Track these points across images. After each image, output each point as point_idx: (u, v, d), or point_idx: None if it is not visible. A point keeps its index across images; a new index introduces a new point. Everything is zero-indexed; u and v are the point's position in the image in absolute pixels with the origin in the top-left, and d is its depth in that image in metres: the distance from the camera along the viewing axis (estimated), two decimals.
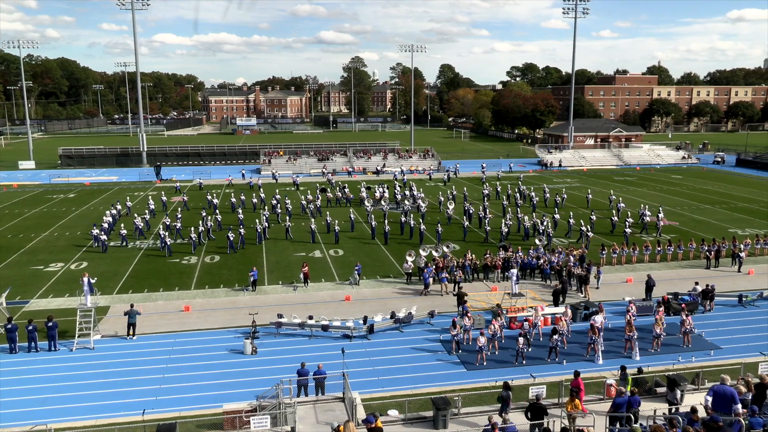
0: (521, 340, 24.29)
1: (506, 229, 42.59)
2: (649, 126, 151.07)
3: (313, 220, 47.34)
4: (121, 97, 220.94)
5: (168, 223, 44.04)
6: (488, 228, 44.11)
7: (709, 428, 12.98)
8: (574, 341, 25.88)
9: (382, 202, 52.33)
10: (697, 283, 30.82)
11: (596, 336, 24.37)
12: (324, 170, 78.67)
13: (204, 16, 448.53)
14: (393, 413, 19.22)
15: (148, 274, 35.84)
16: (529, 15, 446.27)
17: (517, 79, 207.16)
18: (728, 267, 36.58)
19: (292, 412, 17.45)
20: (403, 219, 46.02)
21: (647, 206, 49.09)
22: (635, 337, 24.81)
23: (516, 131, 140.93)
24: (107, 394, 21.80)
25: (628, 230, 42.23)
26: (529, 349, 25.10)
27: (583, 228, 42.26)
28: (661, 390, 19.83)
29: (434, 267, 33.36)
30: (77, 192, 66.21)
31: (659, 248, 38.50)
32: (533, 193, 56.21)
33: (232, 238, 40.67)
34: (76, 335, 25.88)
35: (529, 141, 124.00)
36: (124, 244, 42.23)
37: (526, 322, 25.79)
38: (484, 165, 76.86)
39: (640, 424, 16.11)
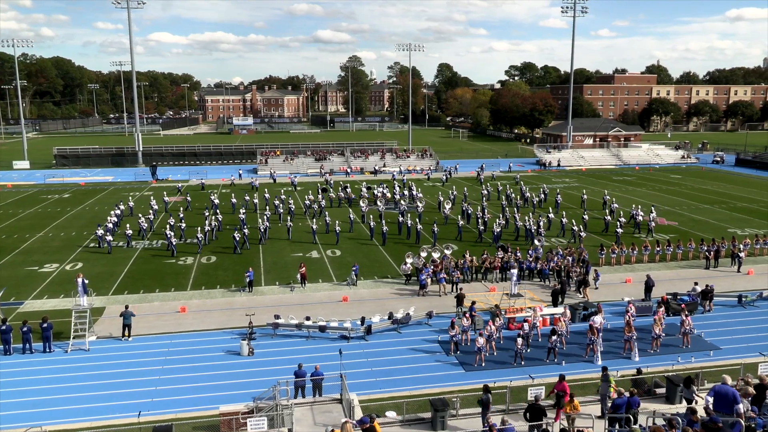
0: (520, 340, 24.16)
1: (498, 229, 42.57)
2: (648, 125, 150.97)
3: (315, 220, 47.30)
4: (116, 96, 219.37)
5: (172, 224, 43.87)
6: (481, 228, 44.14)
7: (709, 429, 12.84)
8: (573, 342, 25.77)
9: (378, 203, 52.22)
10: (696, 284, 30.71)
11: (595, 336, 24.26)
12: (321, 169, 78.52)
13: (200, 15, 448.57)
14: (391, 414, 19.09)
15: (144, 275, 35.62)
16: (527, 14, 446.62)
17: (516, 78, 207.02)
18: (728, 267, 36.49)
19: (289, 414, 17.34)
20: (400, 219, 45.92)
21: (639, 206, 48.93)
22: (634, 337, 24.69)
23: (514, 131, 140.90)
24: (103, 395, 21.62)
25: (619, 230, 42.16)
26: (528, 350, 24.97)
27: (575, 228, 42.33)
28: (661, 391, 19.71)
29: (432, 269, 33.16)
30: (72, 192, 65.91)
31: (658, 248, 38.40)
32: (528, 194, 56.22)
33: (238, 238, 40.48)
34: (71, 336, 25.68)
35: (528, 141, 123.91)
36: (130, 245, 41.93)
37: (525, 323, 25.66)
38: (483, 165, 76.74)
39: (639, 425, 15.99)
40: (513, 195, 56.96)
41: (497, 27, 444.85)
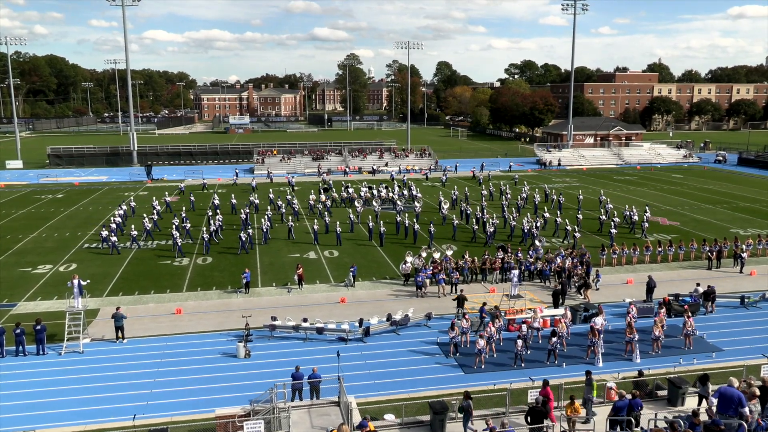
0: (519, 342, 23.89)
1: (492, 229, 42.37)
2: (649, 124, 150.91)
3: (315, 220, 47.10)
4: (110, 95, 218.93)
5: (177, 224, 43.56)
6: (475, 227, 44.06)
7: None
8: (574, 343, 25.52)
9: (374, 203, 51.95)
10: (698, 284, 30.46)
11: (596, 338, 24.02)
12: (319, 169, 78.21)
13: (195, 12, 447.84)
14: (389, 417, 18.84)
15: (139, 276, 35.28)
16: (527, 11, 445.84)
17: (516, 76, 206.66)
18: (730, 268, 36.24)
19: (286, 417, 17.17)
20: (398, 219, 45.65)
21: (633, 206, 48.42)
22: (636, 339, 24.45)
23: (514, 130, 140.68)
24: (97, 398, 21.36)
25: (613, 230, 41.88)
26: (528, 352, 24.69)
27: (568, 227, 42.11)
28: (662, 393, 19.44)
29: (431, 270, 32.86)
30: (66, 192, 65.48)
31: (660, 249, 38.15)
32: (527, 194, 55.94)
33: (244, 239, 40.26)
34: (65, 339, 25.37)
35: (528, 140, 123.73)
36: (138, 245, 41.54)
37: (524, 324, 25.38)
38: (483, 164, 76.41)
39: (641, 428, 15.73)
40: (510, 195, 56.69)
41: (497, 24, 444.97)
